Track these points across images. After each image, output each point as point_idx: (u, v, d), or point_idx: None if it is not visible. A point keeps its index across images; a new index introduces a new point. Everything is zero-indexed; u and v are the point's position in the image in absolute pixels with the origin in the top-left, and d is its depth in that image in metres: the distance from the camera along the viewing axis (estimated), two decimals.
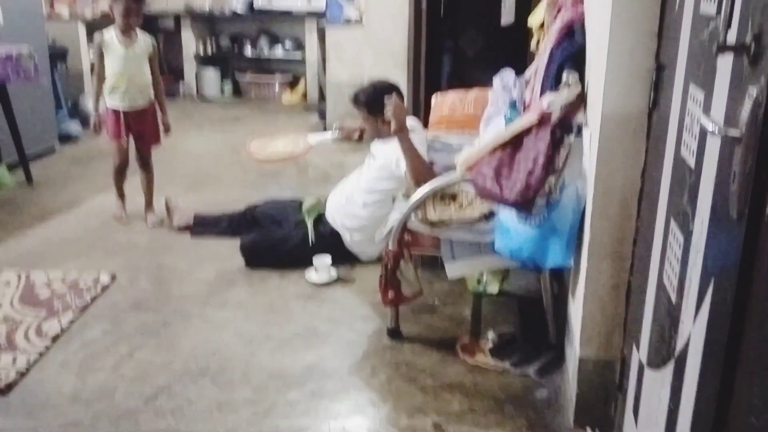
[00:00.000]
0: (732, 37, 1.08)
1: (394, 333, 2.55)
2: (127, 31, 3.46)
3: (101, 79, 3.49)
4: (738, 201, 0.99)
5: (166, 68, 7.42)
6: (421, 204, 2.45)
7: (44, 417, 2.07)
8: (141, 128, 3.62)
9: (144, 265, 3.03)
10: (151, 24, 7.00)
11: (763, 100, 0.93)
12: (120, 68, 3.46)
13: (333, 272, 3.02)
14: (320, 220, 3.26)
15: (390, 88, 3.20)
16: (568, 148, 2.10)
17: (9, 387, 2.20)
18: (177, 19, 7.28)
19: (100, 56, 3.47)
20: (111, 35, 3.45)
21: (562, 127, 2.15)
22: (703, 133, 1.22)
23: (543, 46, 2.76)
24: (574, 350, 2.04)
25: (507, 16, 4.93)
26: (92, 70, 3.74)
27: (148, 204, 3.73)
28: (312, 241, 3.14)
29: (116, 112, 3.54)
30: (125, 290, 2.91)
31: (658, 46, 1.70)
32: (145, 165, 3.74)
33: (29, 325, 2.57)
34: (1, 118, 4.39)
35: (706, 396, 1.12)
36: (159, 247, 3.33)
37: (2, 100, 4.30)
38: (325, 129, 5.82)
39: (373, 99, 3.11)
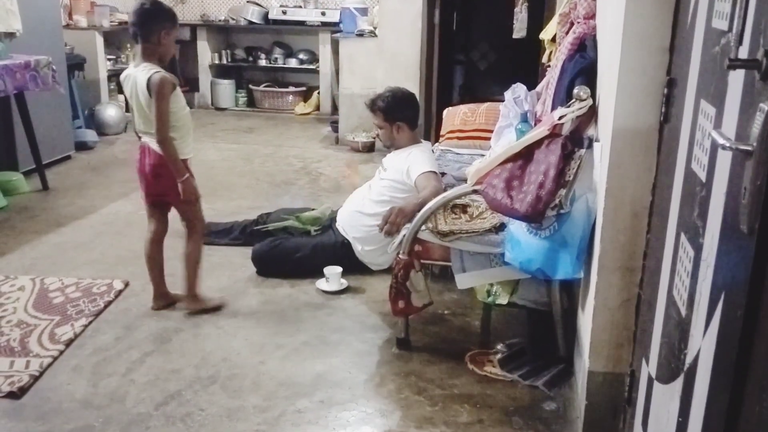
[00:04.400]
0: (744, 53, 1.09)
1: (404, 343, 2.55)
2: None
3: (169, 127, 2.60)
4: (749, 215, 0.99)
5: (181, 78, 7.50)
6: (431, 214, 2.46)
7: (56, 421, 2.09)
8: None
9: None
10: None
11: None
12: (186, 106, 2.71)
13: (343, 282, 3.04)
14: (330, 227, 3.29)
15: (409, 96, 3.26)
16: (579, 161, 2.11)
17: (22, 391, 2.22)
18: (193, 29, 7.36)
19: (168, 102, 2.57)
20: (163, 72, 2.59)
21: (573, 141, 2.16)
22: (714, 148, 1.23)
23: (555, 59, 2.78)
24: (584, 363, 2.03)
25: (519, 30, 4.95)
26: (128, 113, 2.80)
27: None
28: (264, 228, 3.30)
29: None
30: (138, 297, 2.94)
31: (670, 60, 1.71)
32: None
33: (43, 330, 2.60)
34: (18, 125, 4.45)
35: (716, 410, 1.12)
36: (172, 255, 3.35)
37: (20, 107, 4.36)
38: (337, 141, 5.87)
39: (390, 106, 3.15)
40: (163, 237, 2.86)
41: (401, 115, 3.17)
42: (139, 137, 2.75)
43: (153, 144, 2.63)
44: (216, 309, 2.83)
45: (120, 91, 6.48)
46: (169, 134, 2.58)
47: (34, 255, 3.39)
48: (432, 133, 5.12)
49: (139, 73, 2.59)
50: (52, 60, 4.47)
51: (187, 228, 2.81)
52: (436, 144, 3.67)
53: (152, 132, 2.60)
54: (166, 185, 2.66)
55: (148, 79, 2.54)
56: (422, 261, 2.54)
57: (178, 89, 2.63)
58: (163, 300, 2.85)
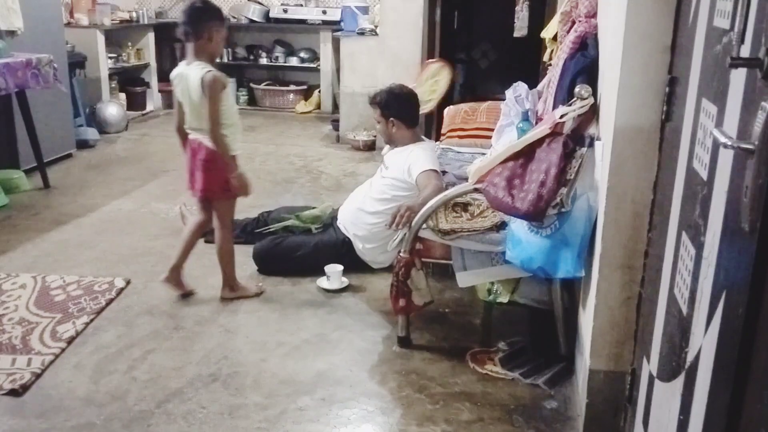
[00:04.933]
0: (745, 52, 1.09)
1: (405, 341, 2.56)
2: None
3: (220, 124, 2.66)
4: (750, 214, 0.99)
5: None
6: (432, 213, 2.46)
7: (57, 419, 2.10)
8: None
9: (158, 270, 3.06)
10: (168, 32, 7.09)
11: None
12: (234, 103, 2.79)
13: (344, 280, 3.04)
14: (331, 225, 3.29)
15: (408, 95, 3.27)
16: (580, 159, 2.11)
17: (23, 388, 2.23)
18: None
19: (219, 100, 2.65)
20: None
21: (575, 139, 2.16)
22: (716, 146, 1.23)
23: (556, 58, 2.78)
24: (584, 361, 2.04)
25: (520, 28, 4.95)
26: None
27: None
28: (266, 230, 3.33)
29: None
30: (140, 295, 2.94)
31: (671, 59, 1.71)
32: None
33: (44, 328, 2.61)
34: (20, 123, 4.45)
35: (717, 408, 1.12)
36: (173, 253, 3.36)
37: (21, 106, 4.36)
38: (338, 140, 5.87)
39: (387, 101, 3.16)
40: (206, 227, 2.94)
41: (395, 112, 3.18)
42: (186, 135, 2.79)
43: (205, 140, 2.69)
44: (255, 296, 2.93)
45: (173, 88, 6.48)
46: (221, 131, 2.66)
47: (35, 253, 3.39)
48: (433, 131, 5.12)
49: (191, 71, 2.67)
50: (54, 58, 4.47)
51: (218, 223, 2.88)
52: (437, 142, 3.67)
53: (204, 128, 2.67)
54: (215, 180, 2.74)
55: (201, 78, 2.61)
56: (423, 259, 2.54)
57: (228, 88, 2.70)
58: (175, 278, 2.89)
